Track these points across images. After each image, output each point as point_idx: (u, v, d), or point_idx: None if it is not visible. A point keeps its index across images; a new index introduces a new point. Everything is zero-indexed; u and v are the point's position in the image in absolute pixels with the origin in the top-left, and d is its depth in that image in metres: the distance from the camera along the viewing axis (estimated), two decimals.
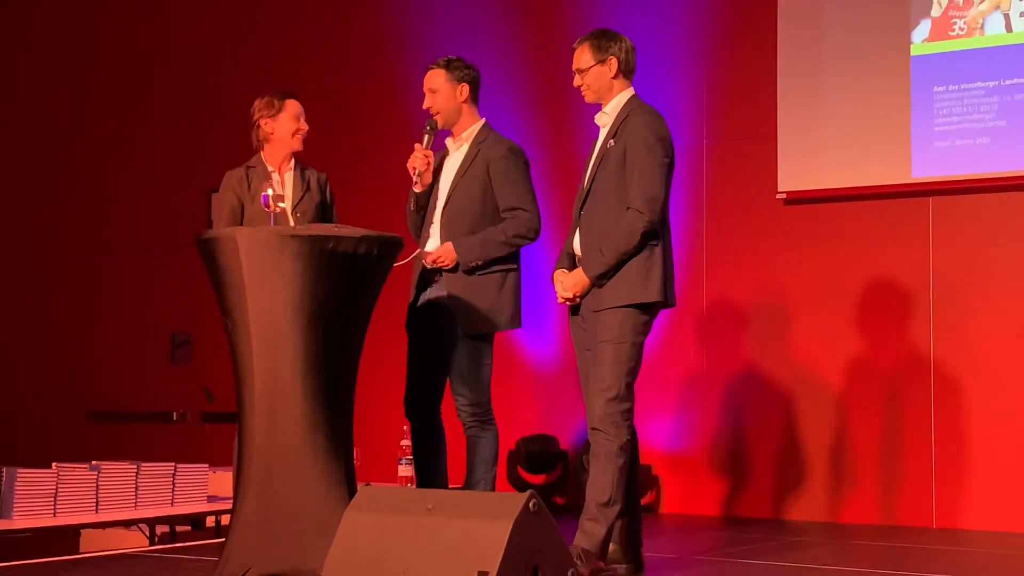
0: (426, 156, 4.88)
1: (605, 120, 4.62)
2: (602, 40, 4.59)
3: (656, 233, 4.46)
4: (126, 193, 9.52)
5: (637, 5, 7.37)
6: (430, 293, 4.93)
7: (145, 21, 9.57)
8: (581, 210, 4.59)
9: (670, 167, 4.52)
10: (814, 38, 6.91)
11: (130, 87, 9.58)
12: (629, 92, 4.63)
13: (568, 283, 4.54)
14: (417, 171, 4.87)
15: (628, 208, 4.42)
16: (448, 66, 4.94)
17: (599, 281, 4.46)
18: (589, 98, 4.65)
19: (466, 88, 4.94)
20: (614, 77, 4.59)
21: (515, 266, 4.93)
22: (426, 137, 4.90)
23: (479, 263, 4.81)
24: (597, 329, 4.45)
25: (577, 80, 4.63)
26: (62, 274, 9.77)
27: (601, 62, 4.58)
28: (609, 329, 4.42)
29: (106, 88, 9.71)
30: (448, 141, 5.05)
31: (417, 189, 4.92)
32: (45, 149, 9.99)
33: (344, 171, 7.72)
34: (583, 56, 4.60)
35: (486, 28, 8.00)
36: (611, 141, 4.54)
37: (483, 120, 5.00)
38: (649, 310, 4.48)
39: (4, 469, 5.45)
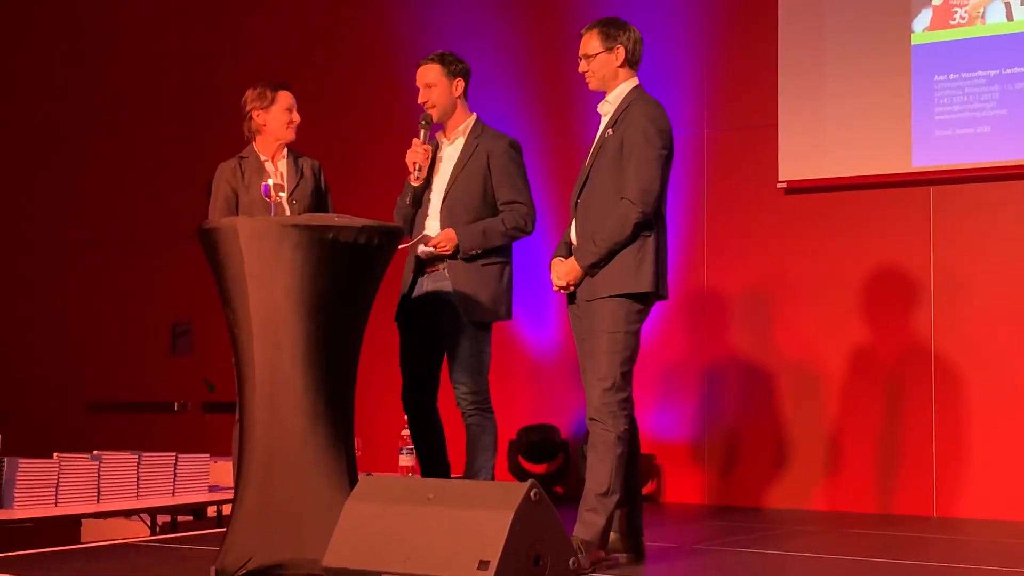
0: (426, 150, 4.93)
1: (607, 109, 4.62)
2: (611, 28, 4.58)
3: (650, 224, 4.44)
4: (126, 184, 9.51)
5: None
6: (428, 285, 4.96)
7: (146, 17, 9.55)
8: (578, 199, 4.59)
9: (668, 159, 4.50)
10: (815, 27, 6.90)
11: (129, 80, 9.57)
12: (633, 82, 4.62)
13: (561, 271, 4.54)
14: (417, 165, 4.92)
15: (622, 198, 4.42)
16: (443, 60, 4.97)
17: (591, 270, 4.46)
18: (593, 85, 4.64)
19: (461, 82, 4.99)
20: (620, 66, 4.58)
21: (510, 259, 5.02)
22: (423, 132, 4.95)
23: (479, 251, 4.87)
24: (592, 319, 4.46)
25: (583, 66, 4.61)
26: (63, 265, 9.77)
27: (608, 50, 4.57)
28: (603, 319, 4.42)
29: (106, 82, 9.70)
30: (439, 135, 5.09)
31: (415, 183, 4.96)
32: (46, 142, 9.98)
33: (342, 163, 7.72)
34: (591, 42, 4.59)
35: (487, 19, 7.98)
36: (610, 130, 4.53)
37: (475, 114, 5.05)
38: (643, 300, 4.47)
39: (5, 459, 5.45)
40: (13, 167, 10.10)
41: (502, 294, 4.94)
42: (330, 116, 8.29)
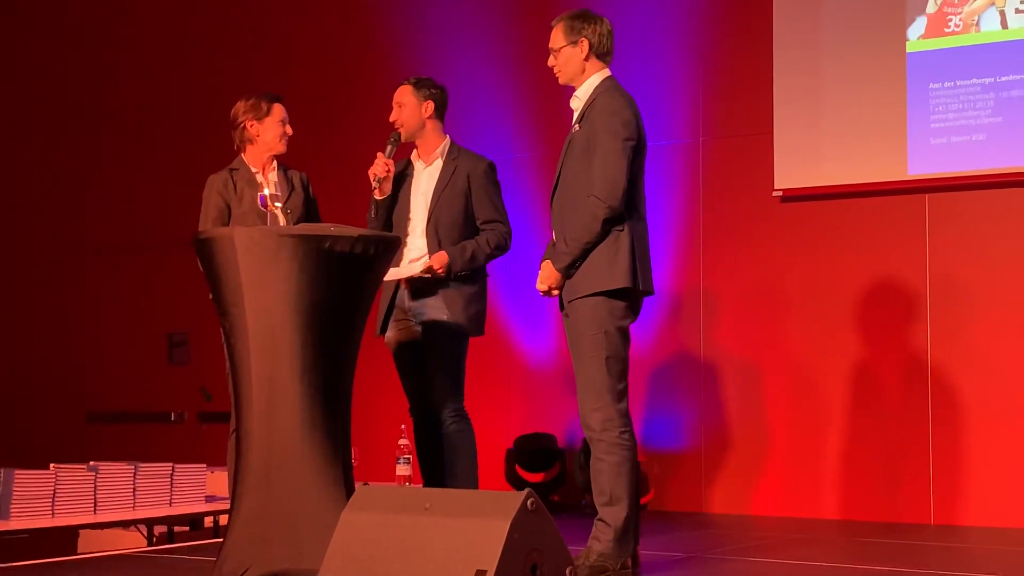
0: (387, 164, 5.11)
1: (577, 104, 4.54)
2: (576, 21, 4.52)
3: (621, 218, 4.35)
4: (124, 194, 9.51)
5: (633, 2, 7.36)
6: (413, 300, 5.09)
7: (149, 25, 9.56)
8: (552, 200, 4.56)
9: (634, 149, 4.37)
10: (810, 35, 6.91)
11: (131, 89, 9.57)
12: (603, 75, 4.52)
13: (542, 276, 4.51)
14: (377, 178, 5.10)
15: (589, 196, 4.35)
16: (416, 84, 5.22)
17: (567, 272, 4.40)
18: (561, 80, 4.58)
19: (431, 105, 5.20)
20: (586, 59, 4.51)
21: (487, 276, 5.25)
22: (389, 147, 5.15)
23: (466, 271, 5.06)
24: (575, 321, 4.42)
25: (551, 60, 4.57)
26: (59, 274, 9.76)
27: (572, 43, 4.50)
28: (583, 320, 4.37)
29: (104, 89, 9.70)
30: (414, 158, 5.25)
31: (377, 196, 5.14)
32: (44, 151, 9.98)
33: (332, 175, 7.72)
34: (556, 36, 4.54)
35: (479, 28, 7.98)
36: (576, 126, 4.48)
37: (448, 137, 5.25)
38: (623, 297, 4.38)
39: (2, 470, 5.44)
40: (12, 176, 10.09)
41: (483, 310, 5.15)
42: (325, 128, 8.29)
